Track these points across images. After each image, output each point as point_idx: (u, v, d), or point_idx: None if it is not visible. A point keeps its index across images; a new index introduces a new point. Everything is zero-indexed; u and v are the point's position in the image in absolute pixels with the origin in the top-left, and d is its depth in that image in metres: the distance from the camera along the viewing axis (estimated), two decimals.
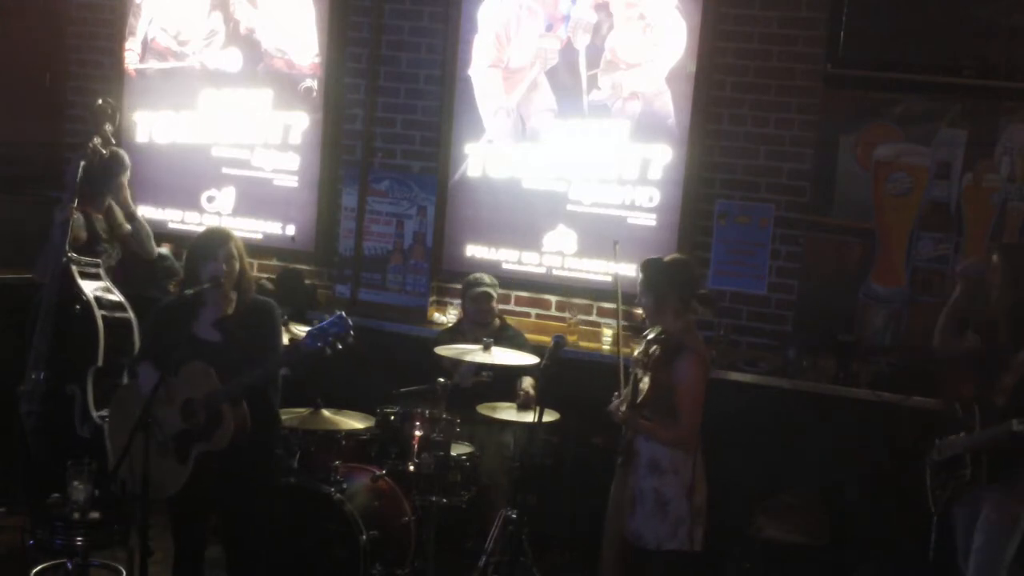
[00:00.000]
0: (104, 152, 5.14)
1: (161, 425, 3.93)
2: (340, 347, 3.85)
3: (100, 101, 5.23)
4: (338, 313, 3.90)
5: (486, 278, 5.48)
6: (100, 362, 4.86)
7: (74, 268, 4.93)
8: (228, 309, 4.08)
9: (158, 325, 4.18)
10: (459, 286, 5.82)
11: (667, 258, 4.23)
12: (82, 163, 5.01)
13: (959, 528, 4.18)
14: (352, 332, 3.86)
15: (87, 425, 4.83)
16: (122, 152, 5.40)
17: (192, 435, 3.92)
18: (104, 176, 5.19)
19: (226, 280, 4.02)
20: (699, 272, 4.67)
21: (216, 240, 4.09)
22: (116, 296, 5.04)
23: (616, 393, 4.22)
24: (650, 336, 4.13)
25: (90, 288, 4.95)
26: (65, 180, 5.10)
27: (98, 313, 4.89)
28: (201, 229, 5.59)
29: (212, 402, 3.87)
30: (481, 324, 5.38)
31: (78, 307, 4.88)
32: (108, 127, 5.18)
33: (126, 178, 5.36)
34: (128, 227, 5.33)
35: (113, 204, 5.29)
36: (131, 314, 5.00)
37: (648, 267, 4.12)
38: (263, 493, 4.19)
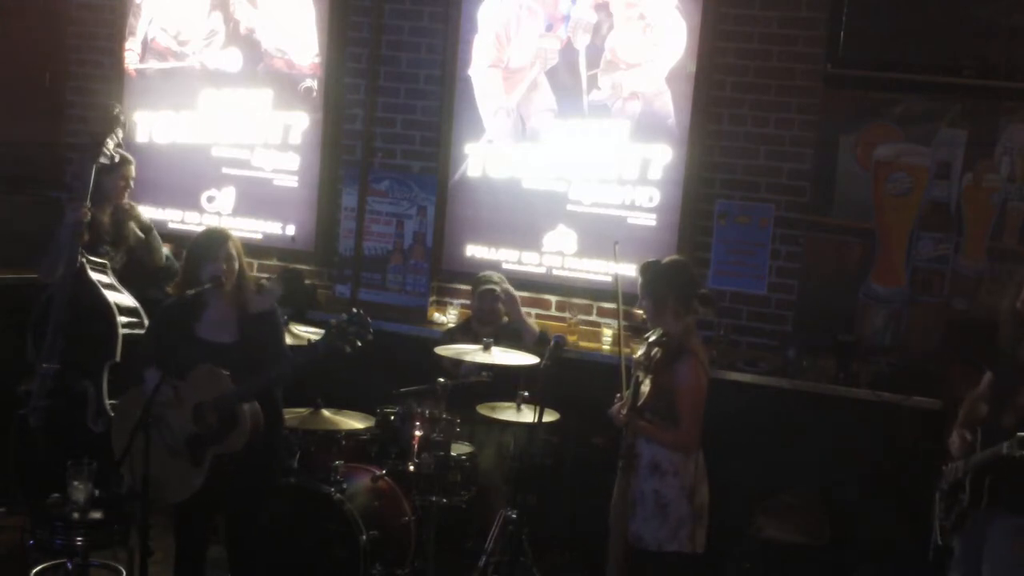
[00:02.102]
0: (115, 156, 5.18)
1: (172, 430, 3.93)
2: (360, 345, 3.86)
3: (116, 110, 5.27)
4: (356, 311, 3.91)
5: (494, 276, 5.48)
6: (117, 357, 4.86)
7: (88, 267, 4.94)
8: (229, 309, 4.08)
9: (160, 327, 4.18)
10: (459, 286, 5.84)
11: (665, 260, 4.24)
12: (94, 165, 5.04)
13: (962, 560, 3.91)
14: (371, 330, 3.87)
15: (101, 420, 4.83)
16: (128, 155, 5.42)
17: (205, 439, 3.92)
18: (110, 179, 5.22)
19: (226, 280, 4.02)
20: (697, 273, 4.67)
21: (215, 240, 4.11)
22: (129, 300, 5.04)
23: (617, 396, 4.22)
24: (651, 338, 4.13)
25: (104, 287, 4.97)
26: (72, 182, 5.12)
27: (116, 311, 4.89)
28: (201, 229, 5.61)
29: (223, 405, 3.87)
30: (486, 323, 5.38)
31: (94, 304, 4.89)
32: (119, 132, 5.21)
33: (131, 180, 5.38)
34: (141, 235, 5.37)
35: (133, 225, 5.33)
36: (144, 319, 4.99)
37: (646, 270, 4.13)
38: (267, 493, 4.19)
